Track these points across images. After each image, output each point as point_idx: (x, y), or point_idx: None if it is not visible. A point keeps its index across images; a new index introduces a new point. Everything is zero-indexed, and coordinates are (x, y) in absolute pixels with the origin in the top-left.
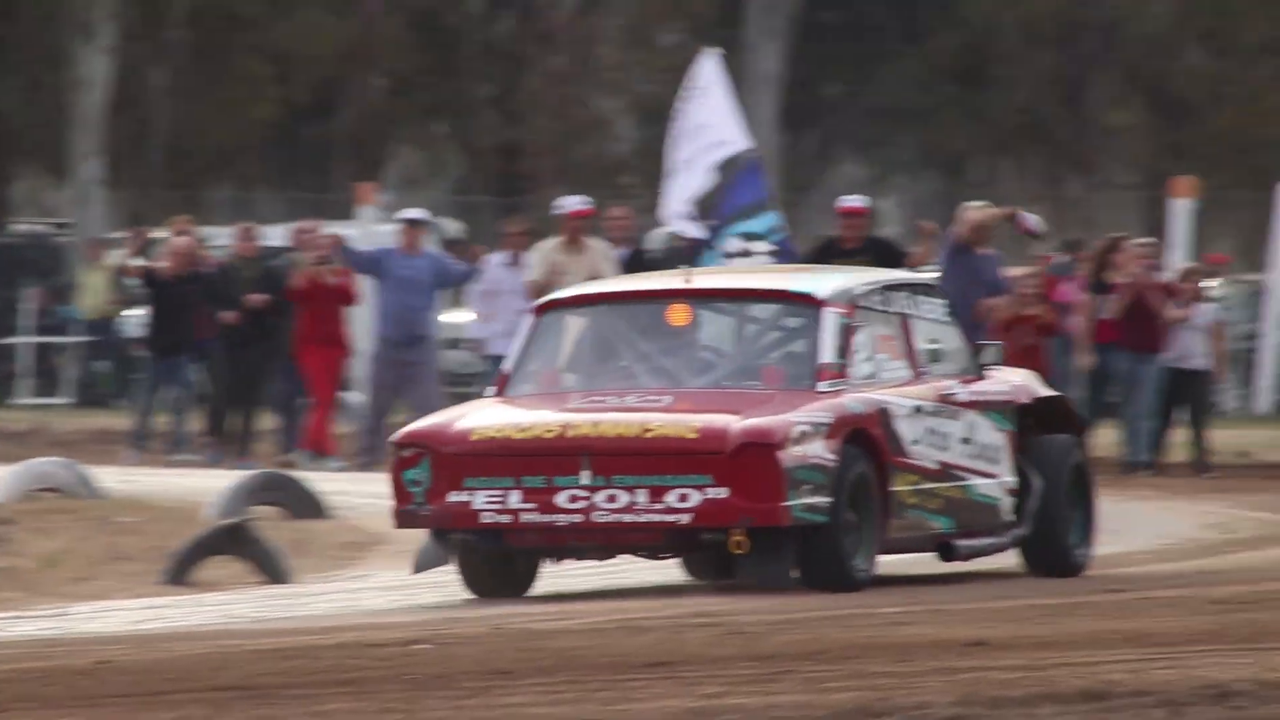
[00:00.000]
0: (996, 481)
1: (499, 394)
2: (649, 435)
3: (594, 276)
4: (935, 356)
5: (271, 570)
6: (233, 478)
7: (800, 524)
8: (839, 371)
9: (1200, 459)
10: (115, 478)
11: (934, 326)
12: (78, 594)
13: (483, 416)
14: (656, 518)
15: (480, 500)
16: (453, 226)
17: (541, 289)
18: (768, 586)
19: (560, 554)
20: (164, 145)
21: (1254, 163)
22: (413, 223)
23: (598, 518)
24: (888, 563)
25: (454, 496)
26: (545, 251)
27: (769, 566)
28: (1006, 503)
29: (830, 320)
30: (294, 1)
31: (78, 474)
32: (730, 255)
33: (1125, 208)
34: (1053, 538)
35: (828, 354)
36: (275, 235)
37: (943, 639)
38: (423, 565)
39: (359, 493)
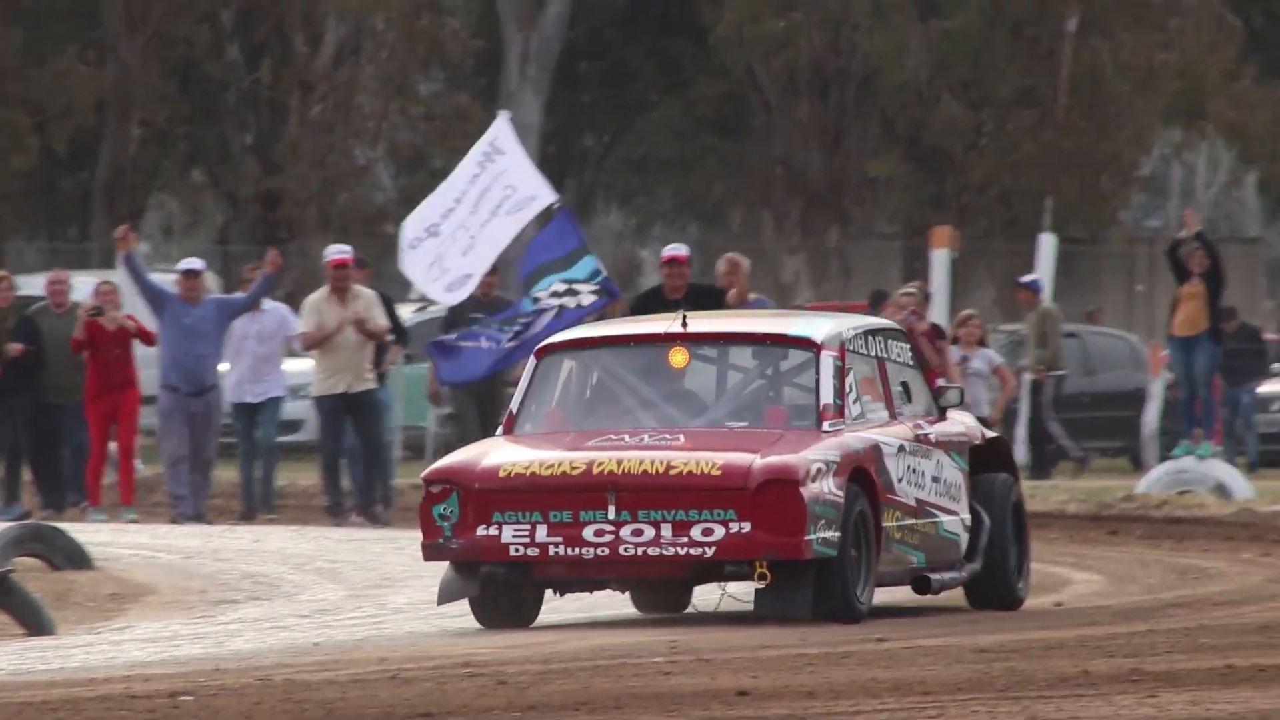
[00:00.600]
0: (958, 518)
1: (507, 433)
2: (673, 472)
3: (361, 324)
4: (905, 398)
5: (33, 622)
6: None
7: (816, 558)
8: (838, 412)
9: None
10: None
11: (902, 369)
12: None
13: (506, 454)
14: (681, 551)
15: (509, 534)
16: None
17: (314, 340)
18: (788, 617)
19: (587, 586)
20: None
21: (1012, 213)
22: (190, 273)
23: (624, 551)
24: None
25: (483, 530)
26: (313, 302)
27: (789, 598)
28: (964, 539)
29: (828, 362)
30: (49, 50)
31: None
32: (557, 295)
33: (886, 258)
34: (1000, 573)
35: (828, 395)
36: (34, 285)
37: (709, 689)
38: (446, 597)
39: (124, 544)
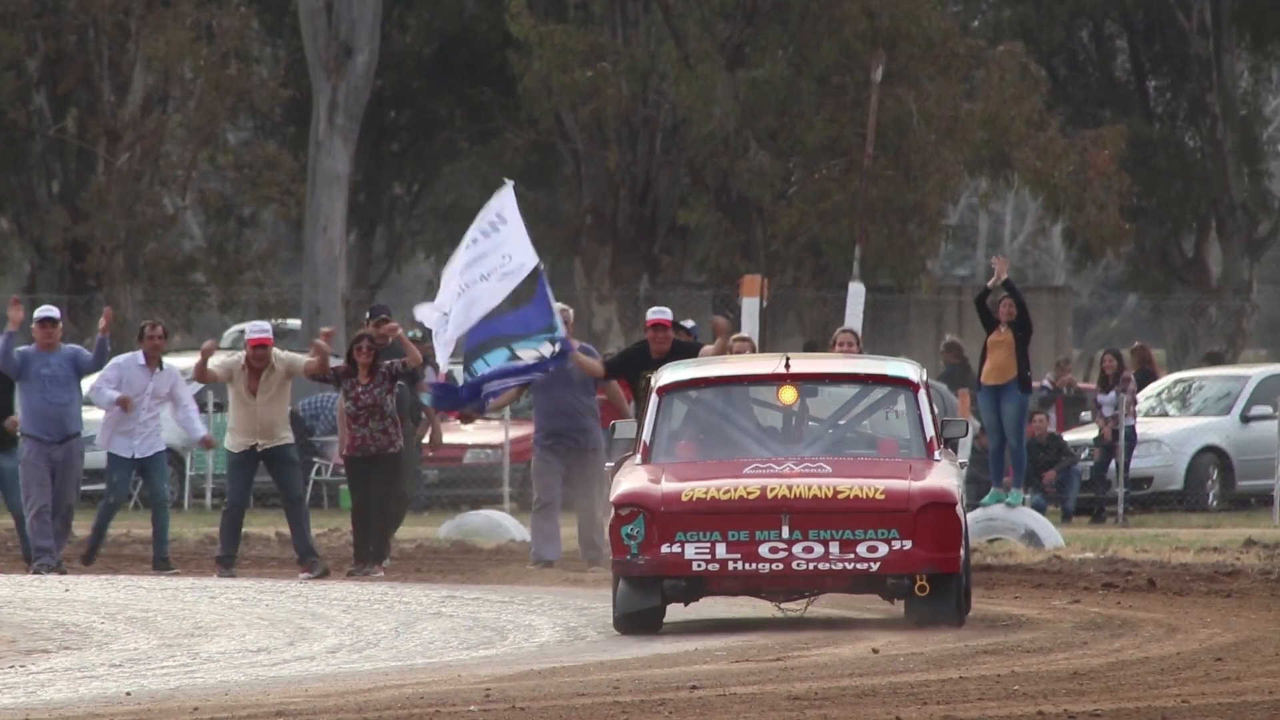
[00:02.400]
0: None
1: (644, 462)
2: (841, 496)
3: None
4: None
5: None
6: None
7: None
8: (938, 444)
9: None
10: None
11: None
12: None
13: (680, 482)
14: (849, 565)
15: (691, 551)
16: None
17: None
18: (940, 623)
19: (760, 595)
20: None
21: (821, 262)
22: (48, 320)
23: (796, 566)
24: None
25: (666, 548)
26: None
27: (940, 608)
28: None
29: (924, 400)
30: None
31: None
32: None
33: (696, 306)
34: (964, 594)
35: (931, 429)
36: None
37: None
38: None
39: None
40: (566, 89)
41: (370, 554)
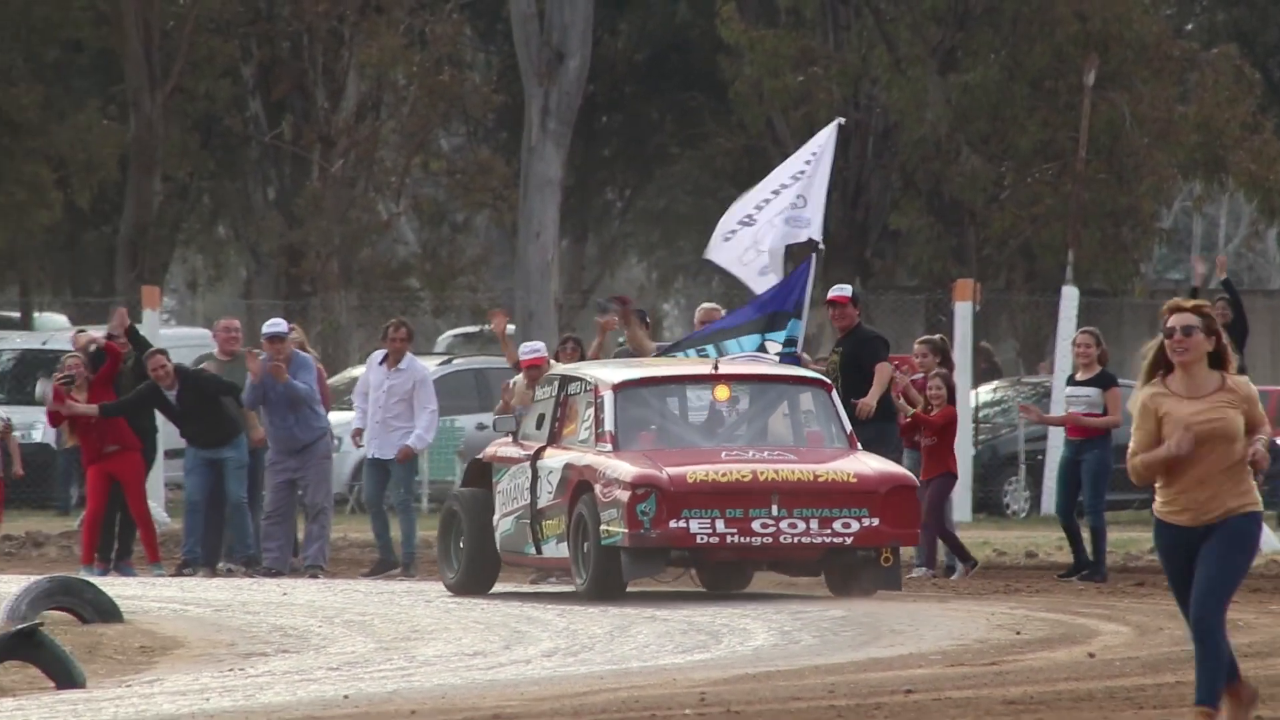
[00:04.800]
0: None
1: (614, 449)
2: (820, 479)
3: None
4: None
5: (63, 675)
6: (23, 583)
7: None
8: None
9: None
10: None
11: None
12: None
13: (681, 466)
14: (827, 539)
15: (695, 526)
16: None
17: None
18: (894, 590)
19: (747, 566)
20: None
21: (1033, 266)
22: (276, 337)
23: (783, 540)
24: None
25: (674, 524)
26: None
27: (894, 577)
28: None
29: (837, 399)
30: (71, 106)
31: None
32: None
33: (908, 311)
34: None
35: (849, 425)
36: (61, 340)
37: None
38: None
39: (153, 597)
40: (778, 93)
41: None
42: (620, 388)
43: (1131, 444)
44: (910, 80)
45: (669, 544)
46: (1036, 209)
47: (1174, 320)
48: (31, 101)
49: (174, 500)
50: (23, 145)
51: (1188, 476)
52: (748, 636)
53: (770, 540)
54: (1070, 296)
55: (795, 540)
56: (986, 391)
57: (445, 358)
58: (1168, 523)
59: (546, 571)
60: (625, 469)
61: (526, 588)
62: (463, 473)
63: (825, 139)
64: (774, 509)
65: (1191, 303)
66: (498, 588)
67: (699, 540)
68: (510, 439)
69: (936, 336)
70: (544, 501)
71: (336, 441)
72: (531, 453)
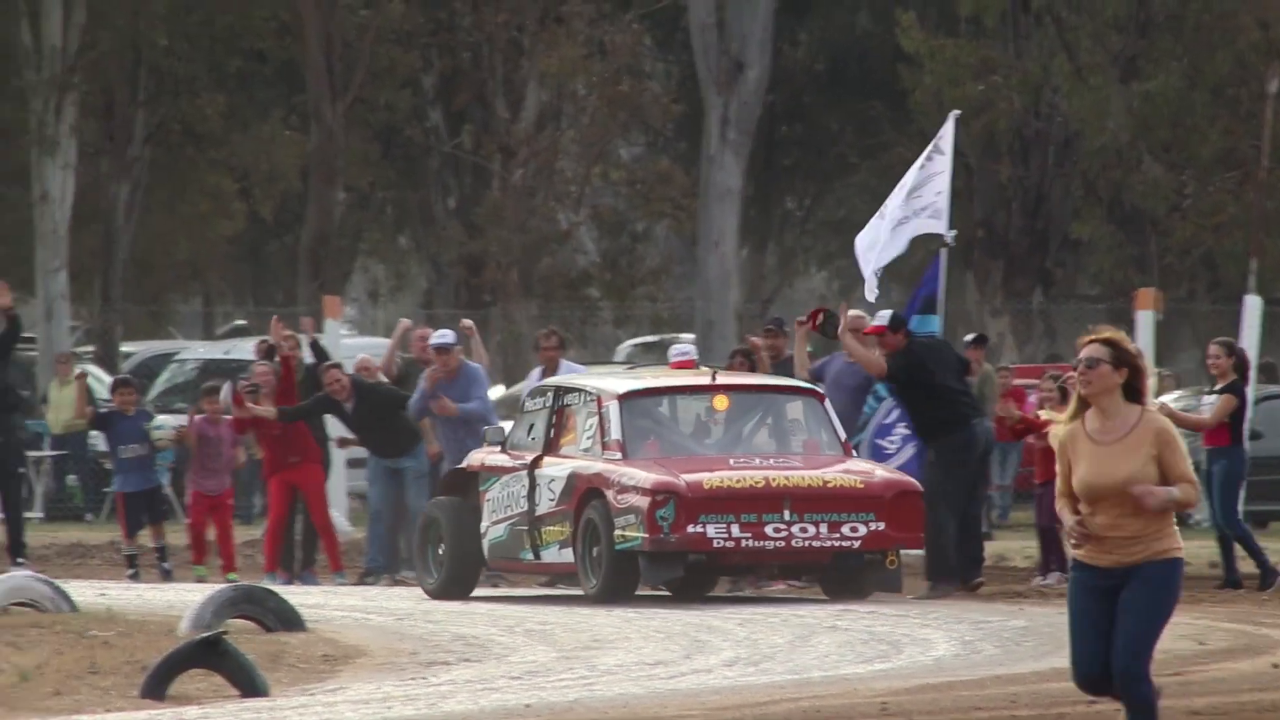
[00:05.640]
0: None
1: (623, 457)
2: (829, 485)
3: None
4: None
5: (247, 684)
6: (206, 591)
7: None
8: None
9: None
10: (89, 591)
11: None
12: (54, 708)
13: (697, 473)
14: (836, 543)
15: (711, 530)
16: None
17: None
18: (894, 592)
19: (757, 571)
20: (129, 259)
21: (1216, 275)
22: (444, 348)
23: (795, 544)
24: None
25: (692, 528)
26: None
27: (897, 580)
28: None
29: (829, 407)
30: (254, 116)
31: (53, 588)
32: None
33: (1089, 320)
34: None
35: (843, 432)
36: (244, 349)
37: None
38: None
39: (335, 606)
40: (958, 103)
41: None
42: (625, 398)
43: (1058, 480)
44: (1091, 89)
45: (687, 548)
46: (1218, 218)
47: (1083, 351)
48: (215, 112)
49: (356, 510)
50: (206, 156)
51: (1106, 521)
52: (929, 646)
53: (783, 544)
54: (1253, 306)
55: (806, 544)
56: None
57: (626, 366)
58: (1086, 563)
59: (544, 576)
60: (643, 476)
61: (504, 590)
62: (439, 482)
63: (944, 132)
64: (786, 514)
65: (1105, 333)
66: (476, 592)
67: (715, 544)
68: (499, 449)
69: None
70: (544, 508)
71: None
72: (525, 461)
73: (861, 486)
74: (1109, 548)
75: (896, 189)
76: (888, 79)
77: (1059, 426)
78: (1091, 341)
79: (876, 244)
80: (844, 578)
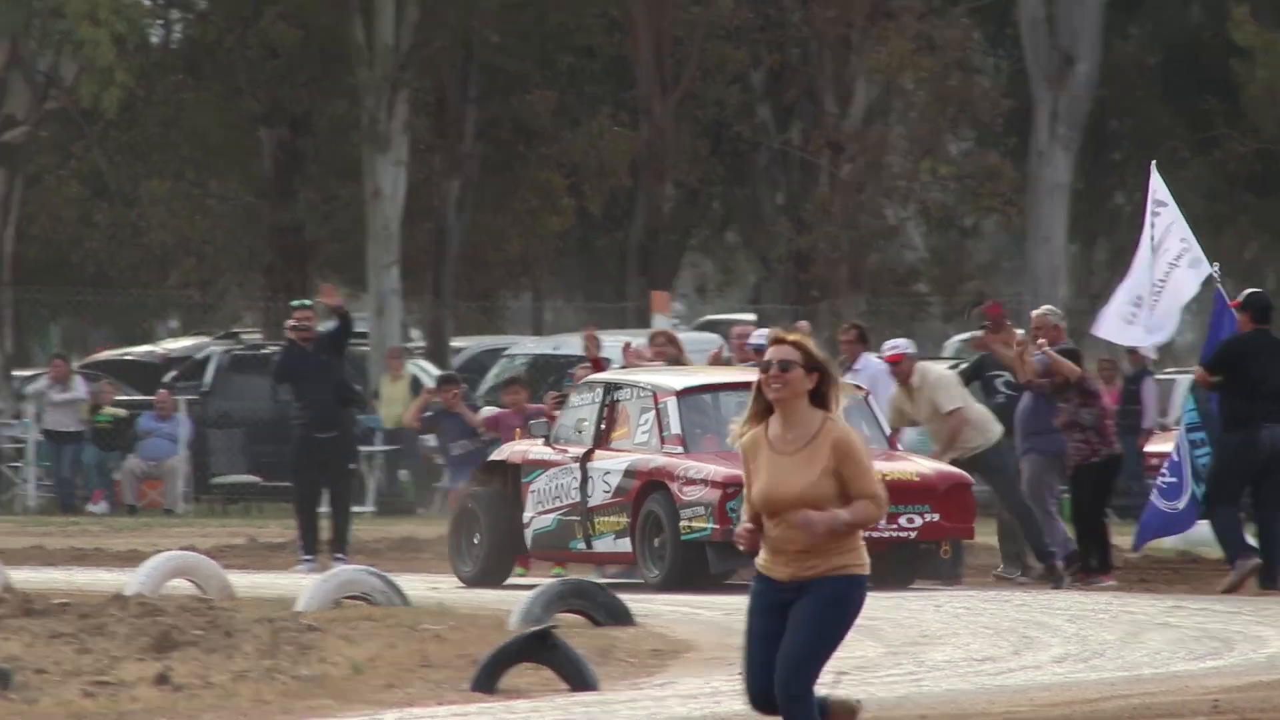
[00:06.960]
0: None
1: (685, 452)
2: (888, 478)
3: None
4: None
5: (577, 678)
6: (537, 585)
7: None
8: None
9: None
10: (420, 585)
11: None
12: (387, 701)
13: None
14: (894, 534)
15: None
16: None
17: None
18: (954, 580)
19: None
20: (459, 255)
21: None
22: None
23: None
24: None
25: None
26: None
27: (954, 570)
28: None
29: (875, 404)
30: (584, 113)
31: (385, 582)
32: None
33: None
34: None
35: (888, 427)
36: (570, 344)
37: None
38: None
39: (662, 600)
40: None
41: None
42: (684, 394)
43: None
44: None
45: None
46: None
47: (770, 353)
48: (545, 108)
49: None
50: (536, 152)
51: (781, 534)
52: (1261, 644)
53: None
54: None
55: (865, 535)
56: None
57: (954, 363)
58: (764, 575)
59: (597, 564)
60: (712, 469)
61: (527, 579)
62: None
63: (1153, 185)
64: None
65: (793, 335)
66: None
67: None
68: (541, 442)
69: None
70: (597, 500)
71: None
72: (572, 455)
73: (918, 479)
74: (785, 561)
75: (1136, 264)
76: (1220, 73)
77: (742, 431)
78: (781, 343)
79: (1136, 320)
80: (899, 567)
